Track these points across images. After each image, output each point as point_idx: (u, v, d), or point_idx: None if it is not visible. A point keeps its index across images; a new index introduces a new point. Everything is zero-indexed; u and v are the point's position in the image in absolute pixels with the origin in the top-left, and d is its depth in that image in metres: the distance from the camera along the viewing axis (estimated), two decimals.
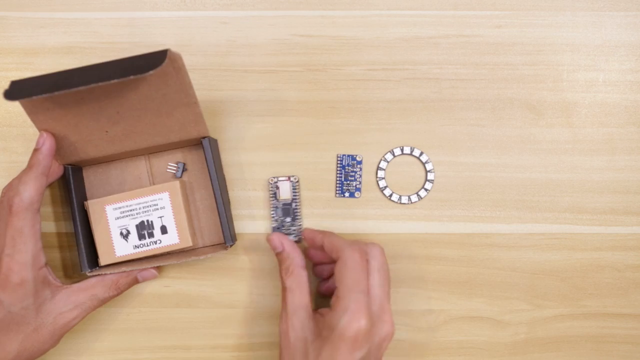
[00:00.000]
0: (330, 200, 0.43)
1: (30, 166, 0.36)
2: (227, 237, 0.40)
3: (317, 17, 0.43)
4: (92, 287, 0.39)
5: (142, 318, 0.43)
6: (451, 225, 0.43)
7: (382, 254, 0.37)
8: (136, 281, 0.41)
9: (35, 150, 0.37)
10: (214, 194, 0.39)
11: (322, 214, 0.43)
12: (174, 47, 0.43)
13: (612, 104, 0.44)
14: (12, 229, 0.35)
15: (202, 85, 0.43)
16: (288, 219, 0.42)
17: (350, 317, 0.34)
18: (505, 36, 0.43)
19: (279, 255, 0.40)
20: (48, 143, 0.37)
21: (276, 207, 0.42)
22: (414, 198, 0.43)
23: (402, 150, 0.43)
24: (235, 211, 0.43)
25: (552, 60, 0.43)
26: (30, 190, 0.36)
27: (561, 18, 0.43)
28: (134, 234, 0.40)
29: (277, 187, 0.42)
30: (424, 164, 0.43)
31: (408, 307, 0.43)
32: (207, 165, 0.39)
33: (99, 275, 0.39)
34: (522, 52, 0.43)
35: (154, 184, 0.42)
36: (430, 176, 0.43)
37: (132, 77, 0.30)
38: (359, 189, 0.43)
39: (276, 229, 0.42)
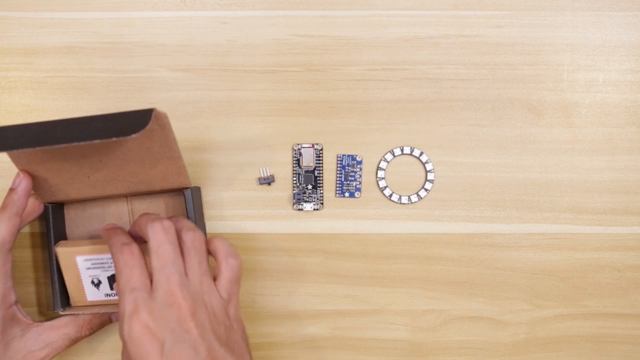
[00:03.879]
0: (330, 200, 0.43)
1: (4, 206, 0.36)
2: None
3: (317, 17, 0.43)
4: (64, 325, 0.38)
5: None
6: (451, 225, 0.43)
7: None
8: (110, 321, 0.41)
9: (11, 190, 0.36)
10: None
11: (322, 214, 0.43)
12: (174, 47, 0.43)
13: (612, 104, 0.44)
14: None
15: (202, 85, 0.43)
16: (310, 186, 0.43)
17: (129, 321, 0.31)
18: (505, 36, 0.43)
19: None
20: (24, 184, 0.36)
21: (298, 174, 0.43)
22: (414, 198, 0.43)
23: (402, 150, 0.43)
24: (235, 211, 0.43)
25: (552, 60, 0.43)
26: (2, 231, 0.35)
27: (561, 18, 0.43)
28: (105, 284, 0.39)
29: (301, 154, 0.42)
30: (424, 164, 0.43)
31: (408, 307, 0.43)
32: (188, 217, 0.39)
33: (72, 314, 0.39)
34: (522, 52, 0.43)
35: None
36: (430, 176, 0.43)
37: (114, 139, 0.30)
38: (359, 189, 0.43)
39: (297, 195, 0.42)
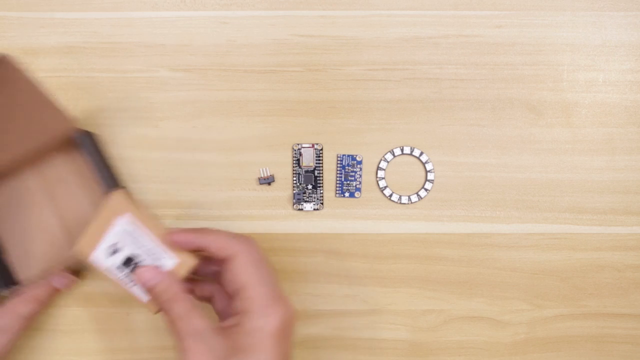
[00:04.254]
0: (330, 200, 0.43)
1: None
2: None
3: (317, 17, 0.43)
4: (13, 307, 0.38)
5: (142, 318, 0.43)
6: (451, 225, 0.43)
7: (258, 246, 0.35)
8: (56, 290, 0.40)
9: None
10: (103, 190, 0.35)
11: (322, 214, 0.43)
12: (174, 47, 0.43)
13: (612, 104, 0.44)
14: None
15: (202, 85, 0.43)
16: (310, 186, 0.43)
17: (275, 311, 0.32)
18: (505, 36, 0.43)
19: (152, 290, 0.35)
20: None
21: (298, 174, 0.43)
22: (414, 198, 0.43)
23: (402, 150, 0.43)
24: (235, 211, 0.43)
25: (552, 60, 0.43)
26: None
27: (561, 18, 0.43)
28: (118, 258, 0.34)
29: (301, 154, 0.42)
30: (424, 164, 0.43)
31: (408, 307, 0.43)
32: (88, 161, 0.36)
33: (17, 293, 0.38)
34: (522, 52, 0.43)
35: (54, 199, 0.39)
36: (430, 176, 0.43)
37: None
38: (359, 189, 0.43)
39: (297, 195, 0.42)
